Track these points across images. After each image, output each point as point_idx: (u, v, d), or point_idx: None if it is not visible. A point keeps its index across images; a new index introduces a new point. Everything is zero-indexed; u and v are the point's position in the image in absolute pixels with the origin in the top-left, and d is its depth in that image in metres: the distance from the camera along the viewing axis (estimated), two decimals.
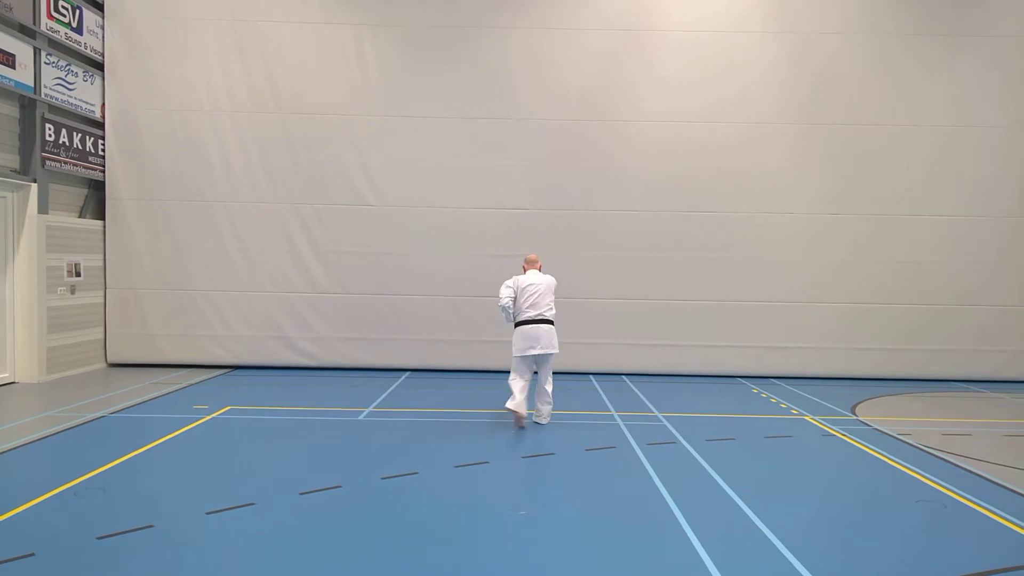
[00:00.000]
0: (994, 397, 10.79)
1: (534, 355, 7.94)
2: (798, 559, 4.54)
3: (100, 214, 11.73)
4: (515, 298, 8.06)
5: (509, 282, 8.15)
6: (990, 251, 11.84)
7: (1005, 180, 11.80)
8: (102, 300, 11.70)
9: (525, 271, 8.33)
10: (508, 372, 8.14)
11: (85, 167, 11.26)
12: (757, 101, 11.73)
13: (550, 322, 7.96)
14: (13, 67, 9.76)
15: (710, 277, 11.84)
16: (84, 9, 11.11)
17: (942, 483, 6.24)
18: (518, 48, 11.75)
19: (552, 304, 8.06)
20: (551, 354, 7.97)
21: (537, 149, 11.75)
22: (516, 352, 7.97)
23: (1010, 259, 11.85)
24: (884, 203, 11.80)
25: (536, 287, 8.01)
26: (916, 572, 4.45)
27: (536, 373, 8.20)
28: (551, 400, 8.30)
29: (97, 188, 11.70)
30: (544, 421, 8.26)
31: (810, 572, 4.35)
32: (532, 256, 8.52)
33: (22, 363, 10.30)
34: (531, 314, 7.92)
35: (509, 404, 7.84)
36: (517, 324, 8.04)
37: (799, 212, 11.81)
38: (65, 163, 10.79)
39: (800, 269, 11.86)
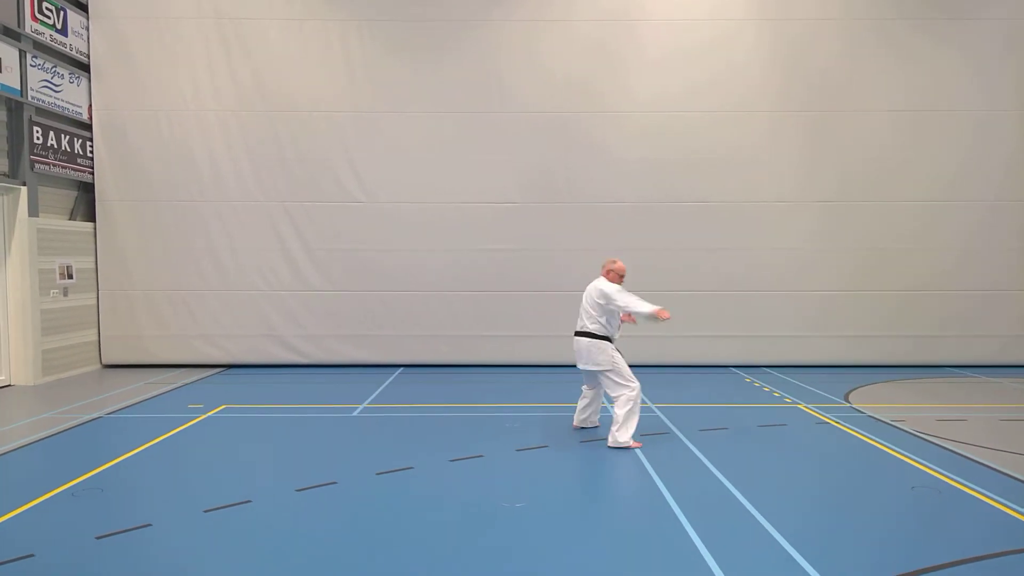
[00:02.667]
0: (990, 382, 10.81)
1: (581, 369, 7.49)
2: (794, 547, 4.59)
3: (90, 216, 11.69)
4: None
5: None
6: (976, 235, 11.88)
7: (984, 164, 11.83)
8: (95, 302, 11.67)
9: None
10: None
11: (74, 169, 11.22)
12: (740, 87, 11.73)
13: (588, 335, 7.25)
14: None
15: (700, 266, 11.86)
16: (68, 10, 11.04)
17: (937, 469, 6.28)
18: (504, 41, 11.72)
19: (594, 315, 7.25)
20: (592, 371, 7.30)
21: (525, 142, 11.74)
22: None
23: (996, 243, 11.90)
24: (871, 188, 11.81)
25: (585, 296, 7.45)
26: (911, 558, 4.48)
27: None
28: (599, 409, 7.99)
29: (86, 190, 11.66)
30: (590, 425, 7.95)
31: (806, 559, 4.40)
32: (606, 261, 7.71)
33: (17, 366, 10.28)
34: (576, 326, 7.47)
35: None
36: None
37: (789, 199, 11.83)
38: (54, 166, 10.74)
39: (789, 256, 11.88)
